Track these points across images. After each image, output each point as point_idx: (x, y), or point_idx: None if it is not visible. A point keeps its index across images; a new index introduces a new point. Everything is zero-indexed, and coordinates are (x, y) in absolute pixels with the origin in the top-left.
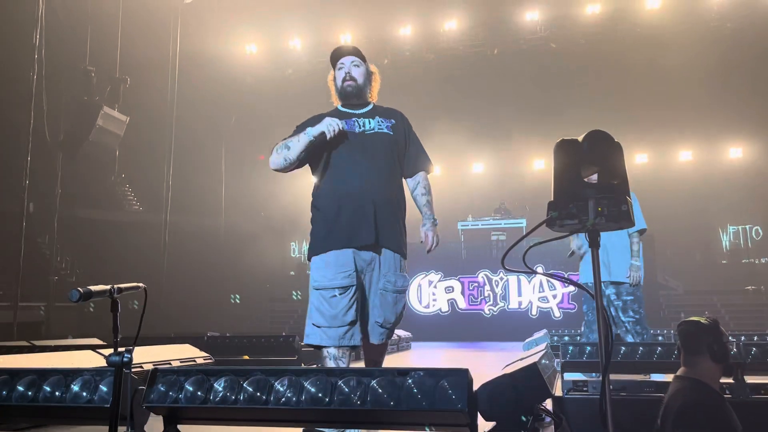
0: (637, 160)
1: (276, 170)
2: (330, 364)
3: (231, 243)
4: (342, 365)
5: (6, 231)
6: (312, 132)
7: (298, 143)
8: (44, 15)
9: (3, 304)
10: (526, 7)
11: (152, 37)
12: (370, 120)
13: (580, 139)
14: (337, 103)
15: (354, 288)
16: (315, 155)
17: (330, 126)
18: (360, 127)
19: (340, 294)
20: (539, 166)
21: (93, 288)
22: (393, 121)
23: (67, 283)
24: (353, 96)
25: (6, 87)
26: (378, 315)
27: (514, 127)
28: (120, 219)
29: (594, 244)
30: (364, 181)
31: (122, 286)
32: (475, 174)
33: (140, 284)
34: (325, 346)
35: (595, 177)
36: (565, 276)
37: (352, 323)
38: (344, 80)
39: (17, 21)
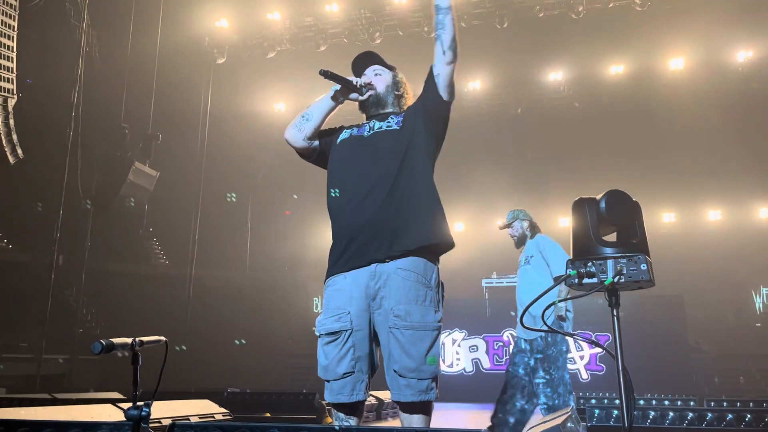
0: (665, 219)
1: (289, 143)
2: (335, 423)
3: (254, 298)
4: (347, 425)
5: (35, 283)
6: (334, 90)
7: (318, 104)
8: (83, 75)
9: (27, 356)
10: (549, 68)
11: (184, 95)
12: (381, 121)
13: (597, 197)
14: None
15: (347, 333)
16: (325, 159)
17: (358, 79)
18: (369, 130)
19: (330, 341)
20: (564, 223)
21: (115, 341)
22: (403, 114)
23: (92, 335)
24: (373, 105)
25: (43, 143)
26: (394, 361)
27: (538, 184)
28: (146, 272)
29: (614, 304)
30: (362, 187)
31: (144, 339)
32: (499, 231)
33: (161, 338)
34: (330, 403)
35: (613, 235)
36: (592, 337)
37: (347, 375)
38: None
39: (57, 80)
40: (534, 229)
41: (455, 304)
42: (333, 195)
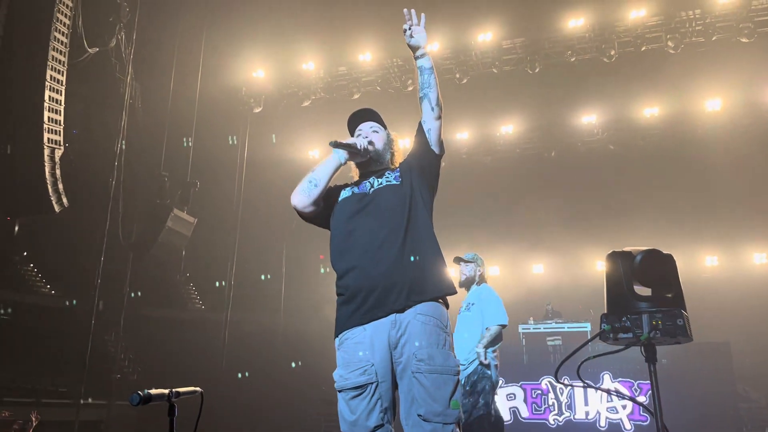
0: (707, 262)
1: (297, 208)
2: None
3: (288, 343)
4: None
5: (76, 328)
6: (338, 154)
7: (324, 168)
8: (126, 126)
9: (66, 401)
10: (583, 110)
11: (222, 144)
12: (379, 178)
13: (633, 251)
14: (355, 175)
15: (374, 385)
16: (326, 219)
17: (360, 140)
18: (371, 187)
19: (356, 396)
20: (601, 266)
21: (152, 392)
22: (399, 170)
23: (129, 381)
24: (372, 162)
25: (87, 192)
26: (418, 406)
27: (574, 227)
28: (182, 317)
29: (651, 359)
30: (373, 242)
31: (180, 390)
32: (535, 275)
33: (197, 388)
34: None
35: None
36: (634, 386)
37: (377, 428)
38: None
39: (102, 131)
40: (482, 278)
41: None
42: (340, 251)
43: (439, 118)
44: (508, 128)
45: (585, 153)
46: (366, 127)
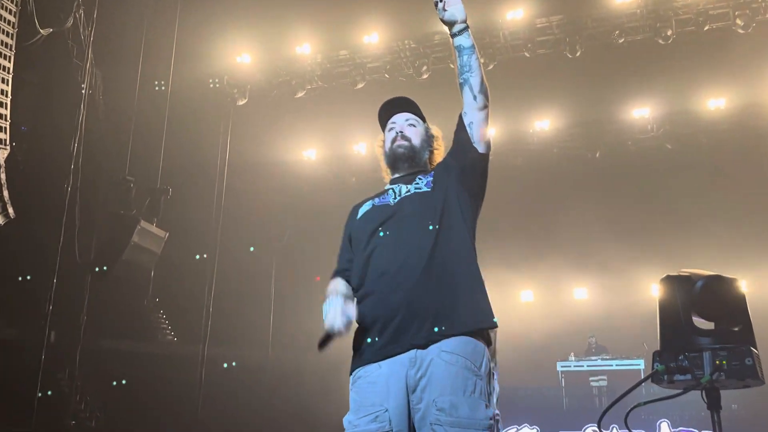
0: None
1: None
2: None
3: (279, 382)
4: None
5: (24, 364)
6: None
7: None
8: (84, 122)
9: None
10: (634, 103)
11: (199, 143)
12: (408, 184)
13: (692, 275)
14: (387, 178)
15: None
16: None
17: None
18: (395, 197)
19: None
20: (657, 291)
21: None
22: (433, 173)
23: (85, 428)
24: (405, 160)
25: (37, 201)
26: None
27: (623, 244)
28: (151, 350)
29: (714, 406)
30: (394, 262)
31: None
32: (577, 301)
33: None
34: None
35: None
36: None
37: None
38: (394, 141)
39: (56, 128)
40: None
41: (524, 394)
42: (359, 276)
43: (485, 107)
44: (544, 124)
45: (636, 153)
46: (400, 120)
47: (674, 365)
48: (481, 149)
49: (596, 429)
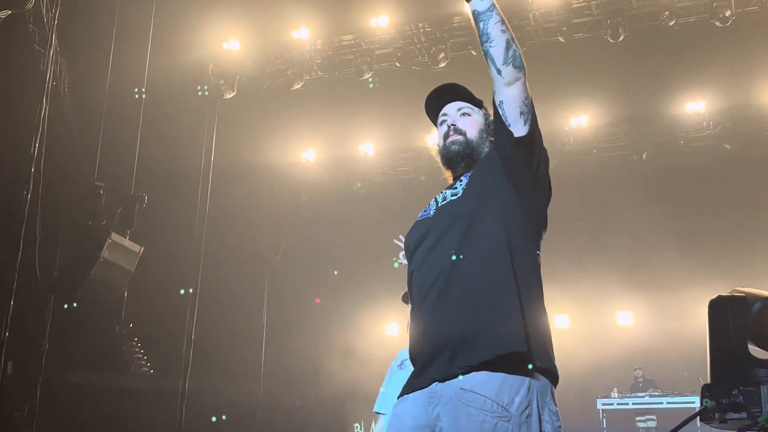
0: None
1: None
2: None
3: (270, 422)
4: None
5: None
6: None
7: None
8: (47, 118)
9: None
10: (686, 96)
11: (180, 143)
12: (451, 188)
13: (747, 296)
14: (449, 179)
15: None
16: None
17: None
18: (435, 205)
19: None
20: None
21: None
22: (472, 171)
23: None
24: (461, 157)
25: None
26: None
27: (673, 260)
28: (123, 385)
29: None
30: (424, 285)
31: None
32: (621, 328)
33: None
34: None
35: None
36: None
37: None
38: (446, 136)
39: (13, 125)
40: None
41: None
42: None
43: (516, 80)
44: (581, 120)
45: (690, 154)
46: (452, 111)
47: (727, 401)
48: (518, 132)
49: None
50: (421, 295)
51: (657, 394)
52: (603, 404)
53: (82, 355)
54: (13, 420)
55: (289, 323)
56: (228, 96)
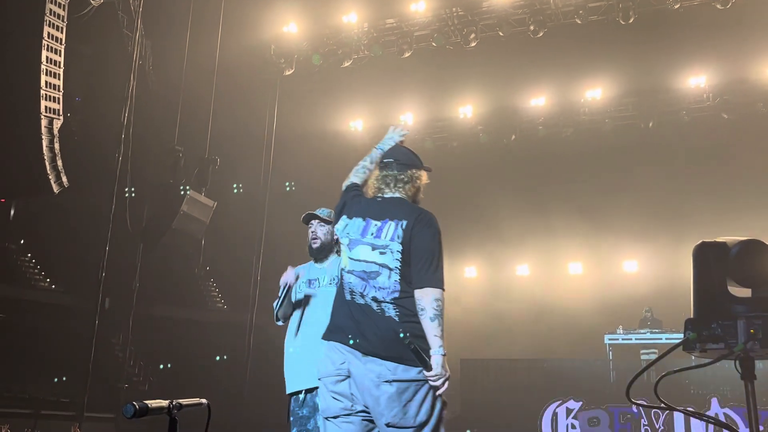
0: None
1: None
2: None
3: None
4: None
5: (79, 330)
6: None
7: None
8: (134, 92)
9: (67, 413)
10: (689, 71)
11: (246, 113)
12: None
13: (727, 242)
14: None
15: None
16: None
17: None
18: None
19: None
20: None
21: (150, 403)
22: None
23: (139, 392)
24: None
25: (91, 170)
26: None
27: (675, 218)
28: (201, 318)
29: (748, 376)
30: None
31: (183, 402)
32: (627, 274)
33: (203, 400)
34: None
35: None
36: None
37: None
38: None
39: (107, 98)
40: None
41: (570, 366)
42: None
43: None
44: (595, 93)
45: (691, 124)
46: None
47: (707, 333)
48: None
49: (646, 401)
50: None
51: (657, 331)
52: (609, 339)
53: (166, 293)
54: (111, 346)
55: None
56: (287, 73)
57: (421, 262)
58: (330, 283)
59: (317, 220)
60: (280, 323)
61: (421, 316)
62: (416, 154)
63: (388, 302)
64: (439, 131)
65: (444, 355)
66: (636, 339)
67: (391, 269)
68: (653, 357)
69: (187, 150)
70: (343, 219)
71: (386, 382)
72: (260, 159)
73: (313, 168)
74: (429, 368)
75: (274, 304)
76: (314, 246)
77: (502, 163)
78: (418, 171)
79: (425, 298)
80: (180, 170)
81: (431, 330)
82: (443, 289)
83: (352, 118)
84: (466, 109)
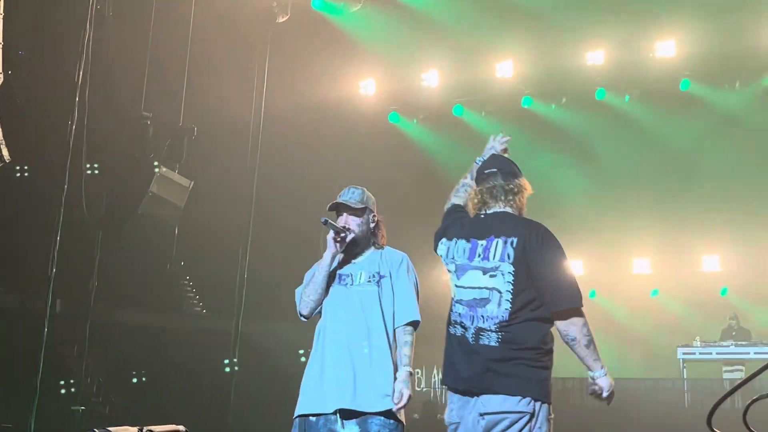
0: None
1: None
2: None
3: None
4: None
5: (22, 338)
6: None
7: None
8: (91, 44)
9: None
10: None
11: (231, 71)
12: None
13: None
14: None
15: None
16: None
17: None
18: None
19: None
20: None
21: (114, 431)
22: None
23: (97, 414)
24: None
25: (38, 141)
26: None
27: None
28: (175, 325)
29: None
30: None
31: (155, 429)
32: (709, 273)
33: (179, 427)
34: None
35: None
36: None
37: None
38: None
39: (58, 52)
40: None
41: (633, 387)
42: None
43: None
44: (668, 44)
45: None
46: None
47: None
48: None
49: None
50: None
51: (743, 344)
52: (684, 354)
53: (131, 294)
54: (63, 359)
55: None
56: (281, 20)
57: (549, 285)
58: (369, 281)
59: (347, 213)
60: (304, 319)
61: (573, 347)
62: (515, 163)
63: (492, 331)
64: (465, 95)
65: (606, 375)
66: (717, 353)
67: (501, 293)
68: (740, 376)
69: (157, 117)
70: (443, 242)
71: (480, 415)
72: (248, 128)
73: (314, 140)
74: None
75: (299, 289)
76: (347, 240)
77: (549, 132)
78: (523, 180)
79: (572, 328)
80: (148, 141)
81: (589, 357)
82: (582, 305)
83: (362, 77)
84: (505, 66)
